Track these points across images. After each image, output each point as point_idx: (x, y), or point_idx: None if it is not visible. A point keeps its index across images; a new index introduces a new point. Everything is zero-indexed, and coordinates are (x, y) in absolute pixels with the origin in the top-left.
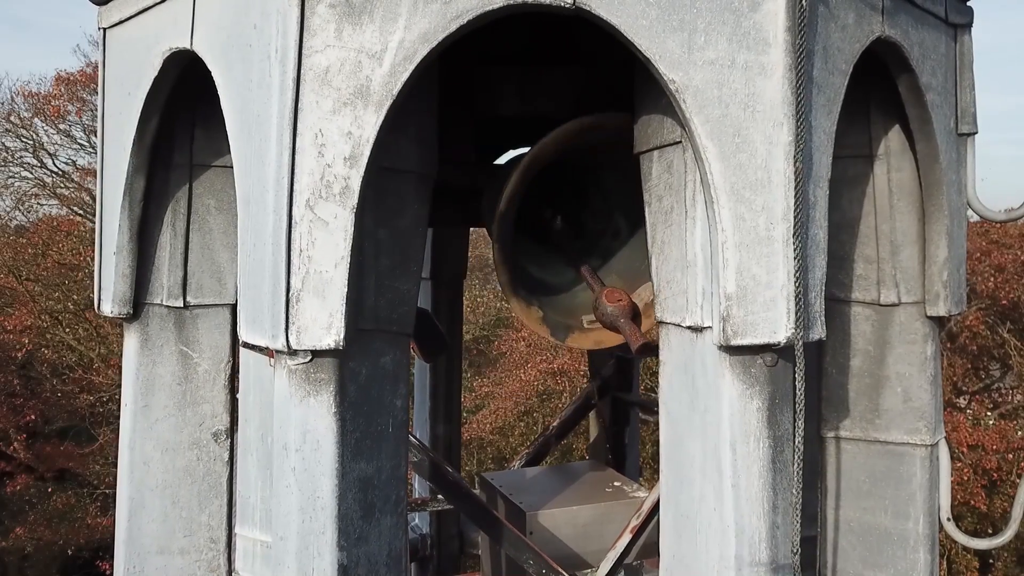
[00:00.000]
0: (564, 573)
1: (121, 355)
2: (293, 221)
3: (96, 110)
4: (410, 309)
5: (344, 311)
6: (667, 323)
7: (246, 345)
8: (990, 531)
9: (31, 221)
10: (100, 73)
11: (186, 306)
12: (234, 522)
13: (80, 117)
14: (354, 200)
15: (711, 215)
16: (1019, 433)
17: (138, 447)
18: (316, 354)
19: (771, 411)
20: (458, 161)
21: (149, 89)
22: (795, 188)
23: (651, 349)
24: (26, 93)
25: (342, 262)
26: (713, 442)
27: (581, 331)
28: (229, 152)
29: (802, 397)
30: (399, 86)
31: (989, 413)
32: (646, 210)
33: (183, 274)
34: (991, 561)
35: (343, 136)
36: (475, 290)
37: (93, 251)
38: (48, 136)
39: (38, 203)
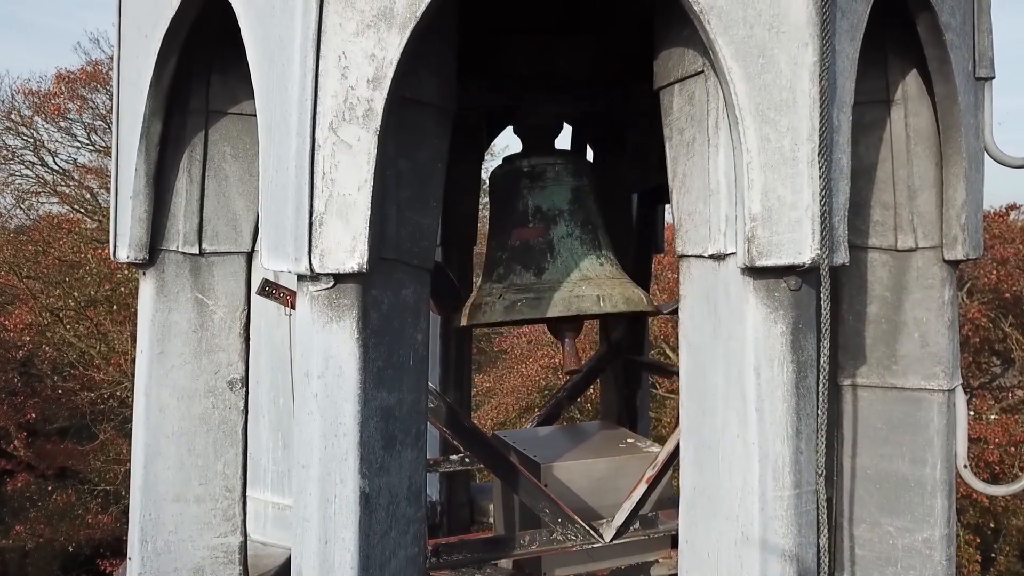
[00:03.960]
0: (580, 522)
1: (122, 353)
2: (316, 144)
3: (96, 108)
4: (430, 244)
5: (368, 234)
6: (688, 255)
7: (262, 292)
8: (992, 525)
9: (32, 219)
10: (116, 18)
11: (202, 253)
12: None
13: (81, 115)
14: (377, 123)
15: (736, 137)
16: (1021, 427)
17: (154, 394)
18: (339, 279)
19: (795, 335)
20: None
21: (167, 30)
22: (820, 108)
23: (577, 374)
24: (26, 91)
25: (365, 185)
26: (737, 368)
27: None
28: (246, 99)
29: (827, 317)
30: (423, 8)
31: (991, 407)
32: (667, 145)
33: (199, 221)
34: (993, 556)
35: (366, 58)
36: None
37: (93, 249)
38: (49, 134)
39: (39, 201)
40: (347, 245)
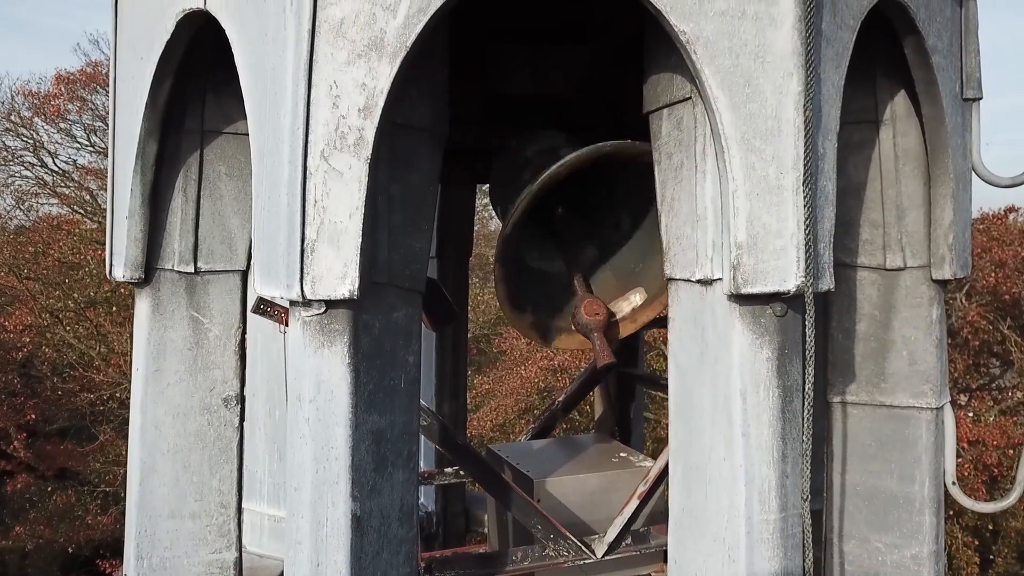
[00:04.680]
0: (572, 538)
1: (121, 354)
2: (308, 172)
3: (96, 109)
4: (422, 267)
5: (359, 261)
6: (676, 279)
7: (256, 310)
8: (991, 527)
9: (31, 220)
10: (112, 38)
11: (197, 272)
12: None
13: (80, 116)
14: (368, 151)
15: (722, 165)
16: (1020, 429)
17: (149, 411)
18: (330, 305)
19: (780, 361)
20: (467, 122)
21: (162, 52)
22: (805, 137)
23: (614, 368)
24: (26, 92)
25: (356, 212)
26: (723, 392)
27: (569, 333)
28: (240, 119)
29: (812, 344)
30: (413, 38)
31: (990, 409)
32: (655, 169)
33: (194, 240)
34: (991, 557)
35: (357, 87)
36: (475, 289)
37: (93, 250)
38: (48, 135)
39: (38, 202)
40: (338, 272)
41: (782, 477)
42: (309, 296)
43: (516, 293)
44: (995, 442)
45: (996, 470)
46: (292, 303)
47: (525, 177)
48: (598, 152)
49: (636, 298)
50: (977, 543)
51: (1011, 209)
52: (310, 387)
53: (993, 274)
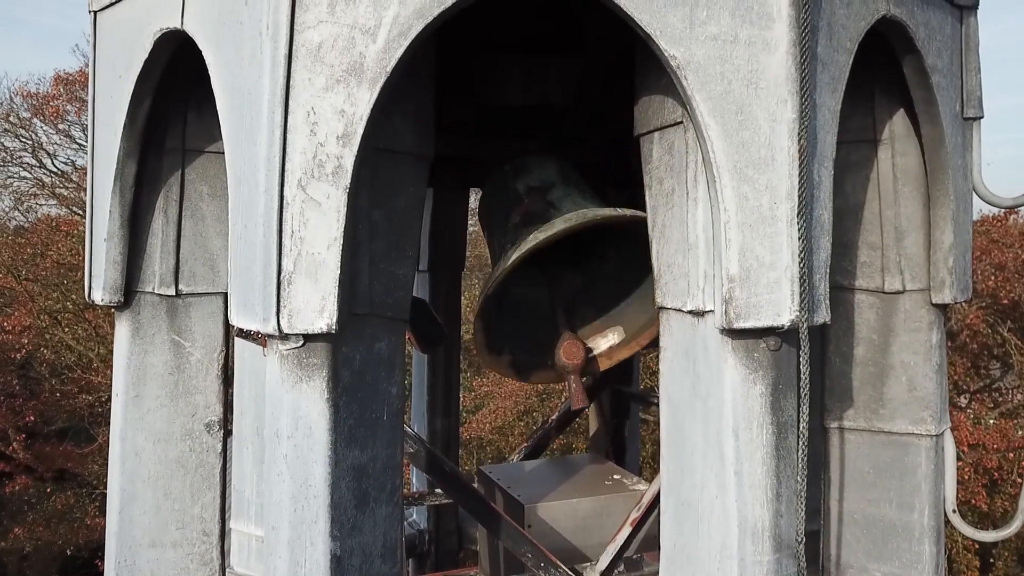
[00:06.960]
0: (562, 566)
1: None
2: (285, 201)
3: None
4: (406, 294)
5: (337, 294)
6: (667, 308)
7: (240, 334)
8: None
9: (30, 221)
10: (91, 57)
11: (178, 294)
12: (228, 515)
13: (79, 117)
14: (347, 180)
15: (713, 195)
16: (1020, 432)
17: (129, 438)
18: (308, 338)
19: (775, 396)
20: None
21: (140, 71)
22: (800, 166)
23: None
24: (25, 93)
25: (335, 243)
26: (715, 428)
27: (545, 369)
28: (222, 137)
29: (807, 382)
30: (393, 63)
31: (990, 412)
32: (646, 193)
33: (175, 262)
34: (991, 560)
35: (336, 114)
36: (474, 290)
37: None
38: (47, 136)
39: (37, 203)
40: (316, 305)
41: (776, 516)
42: (286, 330)
43: (495, 339)
44: (995, 445)
45: (996, 473)
46: (269, 336)
47: (514, 220)
48: (585, 221)
49: (614, 336)
50: (977, 547)
51: (1011, 211)
52: (288, 423)
53: (993, 277)
